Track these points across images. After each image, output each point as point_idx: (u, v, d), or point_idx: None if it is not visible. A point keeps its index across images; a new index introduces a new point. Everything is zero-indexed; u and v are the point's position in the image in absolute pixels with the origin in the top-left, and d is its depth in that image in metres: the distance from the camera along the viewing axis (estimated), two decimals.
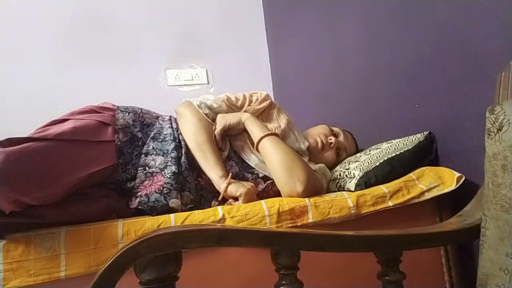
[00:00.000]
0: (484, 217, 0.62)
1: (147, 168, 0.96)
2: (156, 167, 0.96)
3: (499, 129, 0.58)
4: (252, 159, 1.08)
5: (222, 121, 1.08)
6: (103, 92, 2.16)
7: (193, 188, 0.99)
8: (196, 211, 0.88)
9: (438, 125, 1.10)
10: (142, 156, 0.98)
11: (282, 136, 1.13)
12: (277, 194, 1.02)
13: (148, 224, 0.82)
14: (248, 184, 0.99)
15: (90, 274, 0.73)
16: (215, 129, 1.07)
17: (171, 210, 0.91)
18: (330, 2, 1.71)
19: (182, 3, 2.48)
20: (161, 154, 0.99)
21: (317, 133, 1.25)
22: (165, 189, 0.92)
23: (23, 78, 2.14)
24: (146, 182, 0.93)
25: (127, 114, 1.04)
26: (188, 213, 0.86)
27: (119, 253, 0.49)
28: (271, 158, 1.02)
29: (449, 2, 1.00)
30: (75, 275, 0.74)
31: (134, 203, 0.90)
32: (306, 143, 1.20)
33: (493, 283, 0.59)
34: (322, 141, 1.22)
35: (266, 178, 1.08)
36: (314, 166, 1.12)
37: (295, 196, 0.96)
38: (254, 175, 1.08)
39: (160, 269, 0.52)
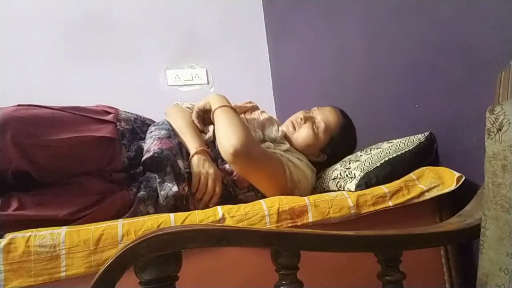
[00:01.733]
0: (484, 217, 0.62)
1: (154, 136, 1.01)
2: (162, 135, 1.01)
3: (499, 129, 0.58)
4: None
5: (195, 107, 1.14)
6: (103, 92, 2.17)
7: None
8: (196, 211, 0.88)
9: (438, 125, 1.10)
10: (147, 134, 1.05)
11: (261, 126, 1.17)
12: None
13: (148, 224, 0.82)
14: (209, 169, 0.99)
15: (91, 274, 0.73)
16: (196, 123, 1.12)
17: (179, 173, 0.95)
18: (330, 2, 1.71)
19: (182, 3, 2.48)
20: (164, 129, 1.05)
21: (289, 118, 1.26)
22: (173, 149, 0.98)
23: (23, 78, 2.14)
24: (155, 142, 0.98)
25: (129, 113, 1.12)
26: (188, 213, 0.86)
27: (119, 253, 0.49)
28: (217, 125, 1.05)
29: (449, 2, 1.00)
30: (75, 275, 0.74)
31: (150, 154, 0.94)
32: (282, 131, 1.20)
33: (493, 283, 0.59)
34: (292, 122, 1.22)
35: None
36: (276, 150, 1.11)
37: (228, 159, 0.98)
38: (224, 161, 1.06)
39: (160, 269, 0.52)
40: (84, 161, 0.93)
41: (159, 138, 1.00)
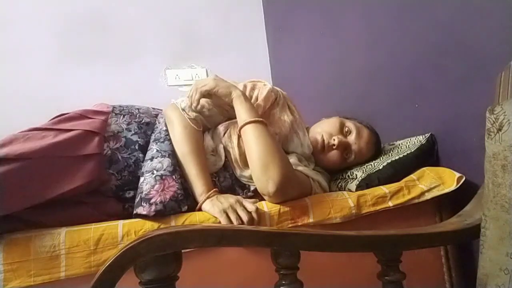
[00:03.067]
0: (484, 217, 0.62)
1: (155, 172, 0.90)
2: (164, 170, 0.90)
3: (499, 129, 0.58)
4: (243, 175, 1.01)
5: (212, 83, 0.98)
6: (103, 92, 2.15)
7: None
8: (196, 212, 0.88)
9: (438, 125, 1.10)
10: (148, 161, 0.93)
11: (284, 139, 1.07)
12: None
13: (148, 224, 0.82)
14: (226, 201, 0.87)
15: (90, 274, 0.73)
16: (197, 99, 0.98)
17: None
18: (330, 2, 1.70)
19: (182, 3, 2.48)
20: (167, 155, 0.93)
21: (322, 130, 1.10)
22: (179, 195, 0.87)
23: (23, 78, 2.14)
24: (157, 186, 0.87)
25: (121, 117, 1.01)
26: (188, 214, 0.86)
27: (119, 253, 0.49)
28: (250, 149, 0.93)
29: (449, 2, 1.00)
30: (75, 275, 0.74)
31: (151, 211, 0.83)
32: (311, 147, 1.09)
33: (493, 283, 0.59)
34: (322, 141, 1.08)
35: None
36: (307, 170, 1.03)
37: (266, 195, 0.90)
38: (245, 190, 1.01)
39: (160, 269, 0.52)
40: (72, 194, 0.88)
41: (161, 177, 0.88)
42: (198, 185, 0.92)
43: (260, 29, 2.62)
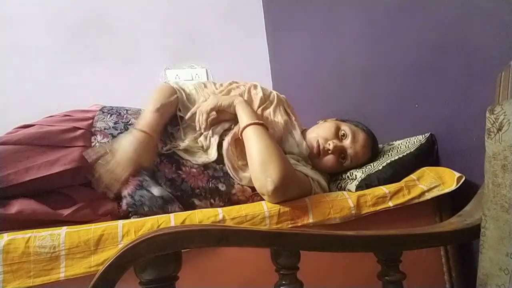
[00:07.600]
0: (484, 217, 0.62)
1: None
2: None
3: (499, 129, 0.58)
4: (244, 175, 1.00)
5: (214, 100, 1.01)
6: (103, 92, 2.17)
7: (167, 183, 0.95)
8: (196, 211, 0.88)
9: (438, 125, 1.10)
10: None
11: (280, 139, 1.07)
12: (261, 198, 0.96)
13: (148, 224, 0.81)
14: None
15: (90, 275, 0.73)
16: (205, 119, 1.00)
17: (163, 202, 0.91)
18: (330, 2, 1.71)
19: (182, 3, 2.48)
20: None
21: (317, 135, 1.10)
22: (144, 182, 0.90)
23: (23, 78, 2.14)
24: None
25: (108, 116, 1.03)
26: (188, 213, 0.86)
27: (119, 253, 0.49)
28: (250, 149, 0.94)
29: (449, 2, 1.00)
30: (75, 276, 0.73)
31: (124, 206, 0.88)
32: (307, 150, 1.09)
33: (493, 283, 0.59)
34: (318, 146, 1.07)
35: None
36: (307, 170, 1.04)
37: (265, 194, 0.89)
38: (232, 181, 1.01)
39: (160, 269, 0.52)
40: (61, 184, 0.92)
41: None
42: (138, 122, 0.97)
43: (260, 29, 2.62)
